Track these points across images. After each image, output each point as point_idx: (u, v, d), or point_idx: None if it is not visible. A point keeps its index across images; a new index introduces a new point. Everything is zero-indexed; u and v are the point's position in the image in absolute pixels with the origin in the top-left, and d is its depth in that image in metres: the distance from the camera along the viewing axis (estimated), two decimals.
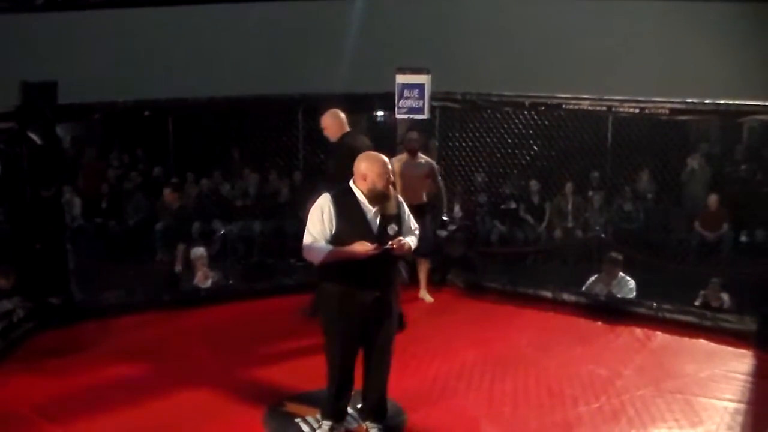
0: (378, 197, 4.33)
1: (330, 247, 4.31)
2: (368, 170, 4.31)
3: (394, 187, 4.54)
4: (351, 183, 4.39)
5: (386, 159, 4.38)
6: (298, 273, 7.86)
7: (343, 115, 6.21)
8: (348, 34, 12.59)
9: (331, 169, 6.18)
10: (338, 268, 4.33)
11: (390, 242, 4.30)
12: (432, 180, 7.29)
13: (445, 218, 7.54)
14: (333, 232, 4.32)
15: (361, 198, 4.35)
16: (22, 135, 6.42)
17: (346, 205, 4.35)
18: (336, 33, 12.47)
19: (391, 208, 4.43)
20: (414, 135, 7.31)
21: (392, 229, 4.36)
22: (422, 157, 7.28)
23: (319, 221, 4.33)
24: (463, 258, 8.41)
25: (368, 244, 4.24)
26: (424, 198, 7.23)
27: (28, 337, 6.28)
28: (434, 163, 7.38)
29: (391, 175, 4.37)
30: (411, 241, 4.51)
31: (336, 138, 6.16)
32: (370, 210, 4.35)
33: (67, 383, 5.44)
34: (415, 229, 4.60)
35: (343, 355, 4.51)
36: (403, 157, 7.23)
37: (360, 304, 4.37)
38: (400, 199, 4.59)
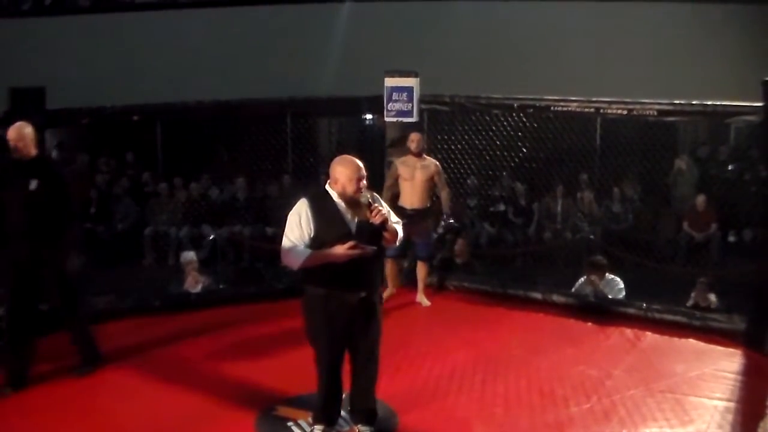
0: (348, 202, 4.33)
1: (308, 251, 4.30)
2: (340, 174, 4.32)
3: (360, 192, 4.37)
4: (327, 185, 4.39)
5: (359, 163, 4.36)
6: (288, 277, 7.83)
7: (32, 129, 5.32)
8: (336, 37, 12.60)
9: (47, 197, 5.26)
10: (321, 270, 4.33)
11: (369, 210, 4.25)
12: (438, 182, 7.10)
13: (452, 221, 7.30)
14: (312, 235, 4.32)
15: (337, 200, 4.35)
16: None
17: (322, 208, 4.35)
18: (324, 36, 12.48)
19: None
20: (417, 135, 7.09)
21: (365, 197, 4.29)
22: (427, 158, 7.10)
23: (297, 226, 4.33)
24: (466, 262, 8.41)
25: (347, 244, 4.24)
26: (429, 202, 7.09)
27: None
28: (438, 164, 7.18)
29: (364, 180, 4.34)
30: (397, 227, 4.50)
31: (32, 156, 5.29)
32: (347, 211, 4.34)
33: (56, 390, 5.40)
34: (396, 222, 4.56)
35: (332, 359, 4.50)
36: (407, 159, 7.08)
37: (345, 306, 4.36)
38: (374, 194, 4.55)
